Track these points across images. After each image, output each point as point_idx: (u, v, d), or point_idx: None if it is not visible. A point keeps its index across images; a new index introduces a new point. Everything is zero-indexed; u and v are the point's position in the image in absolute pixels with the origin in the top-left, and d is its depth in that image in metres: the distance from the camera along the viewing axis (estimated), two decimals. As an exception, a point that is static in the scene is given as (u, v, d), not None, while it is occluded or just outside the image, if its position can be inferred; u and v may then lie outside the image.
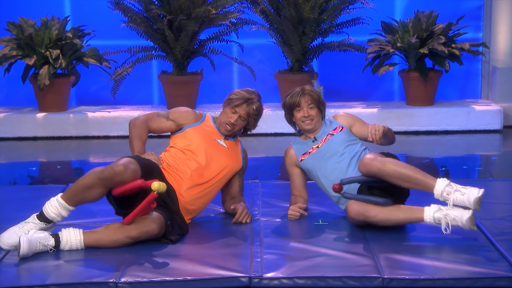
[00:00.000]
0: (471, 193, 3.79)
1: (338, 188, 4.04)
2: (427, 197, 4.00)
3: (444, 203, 3.87)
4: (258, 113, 4.30)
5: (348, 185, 4.08)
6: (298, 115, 4.30)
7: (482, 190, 3.81)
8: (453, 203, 3.82)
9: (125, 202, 3.86)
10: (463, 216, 3.81)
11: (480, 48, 7.79)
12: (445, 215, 3.84)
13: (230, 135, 4.32)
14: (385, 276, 3.46)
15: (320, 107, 4.33)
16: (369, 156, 4.00)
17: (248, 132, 4.39)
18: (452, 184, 3.86)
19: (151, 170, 3.97)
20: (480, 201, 3.79)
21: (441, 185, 3.85)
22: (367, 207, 3.96)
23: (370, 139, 4.13)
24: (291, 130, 4.48)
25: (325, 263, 3.64)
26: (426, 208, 3.90)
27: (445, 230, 3.84)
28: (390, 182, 3.93)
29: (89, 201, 3.82)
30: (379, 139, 4.11)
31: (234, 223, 4.20)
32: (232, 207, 4.26)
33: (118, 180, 3.76)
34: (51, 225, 3.86)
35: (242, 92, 4.28)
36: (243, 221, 4.20)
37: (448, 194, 3.83)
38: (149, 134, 4.31)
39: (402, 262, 3.62)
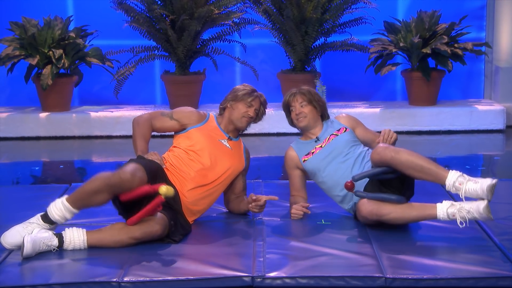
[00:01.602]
0: (485, 181, 3.79)
1: (350, 186, 4.01)
2: (433, 197, 4.00)
3: (454, 195, 3.86)
4: (266, 104, 4.40)
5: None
6: (292, 114, 4.33)
7: (495, 180, 3.80)
8: (465, 193, 3.80)
9: (130, 206, 3.85)
10: (479, 206, 3.79)
11: (483, 48, 7.79)
12: (459, 209, 3.82)
13: (234, 135, 4.32)
14: (388, 276, 3.46)
15: (314, 104, 4.33)
16: (382, 144, 4.01)
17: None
18: (465, 175, 3.85)
19: (155, 173, 3.98)
20: (493, 189, 3.78)
21: (453, 176, 3.83)
22: (380, 206, 3.95)
23: (381, 140, 4.13)
24: (293, 130, 4.49)
25: (327, 262, 3.64)
26: (439, 205, 3.88)
27: (461, 224, 3.82)
28: (402, 172, 3.92)
29: (94, 206, 3.82)
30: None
31: (252, 207, 4.21)
32: (254, 196, 4.23)
33: (126, 188, 3.77)
34: (55, 226, 3.87)
35: (246, 87, 4.34)
36: (257, 211, 4.23)
37: (460, 184, 3.81)
38: (152, 133, 4.31)
39: (405, 262, 3.62)
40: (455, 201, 3.89)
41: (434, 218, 3.90)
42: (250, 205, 4.23)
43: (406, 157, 3.89)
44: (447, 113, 7.59)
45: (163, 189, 3.75)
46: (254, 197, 4.23)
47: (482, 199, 3.80)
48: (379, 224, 4.02)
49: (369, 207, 3.97)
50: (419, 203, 3.98)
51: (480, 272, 3.49)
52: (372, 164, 4.06)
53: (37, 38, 7.36)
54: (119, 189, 3.77)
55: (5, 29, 7.56)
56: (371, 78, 7.93)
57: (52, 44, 7.41)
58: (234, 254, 3.77)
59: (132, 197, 3.79)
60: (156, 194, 3.77)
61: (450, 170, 3.87)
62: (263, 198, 4.23)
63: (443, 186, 3.89)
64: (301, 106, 4.31)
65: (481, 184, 3.78)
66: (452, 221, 3.85)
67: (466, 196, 3.82)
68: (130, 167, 3.82)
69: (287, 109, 4.38)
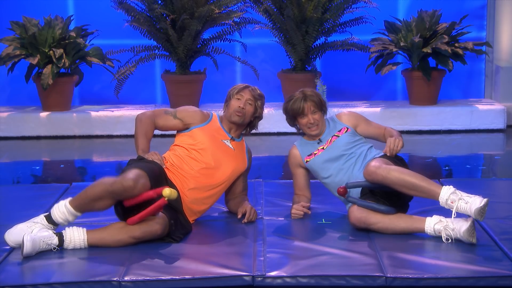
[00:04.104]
0: (474, 203, 3.77)
1: (343, 192, 4.04)
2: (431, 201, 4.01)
3: (448, 211, 3.87)
4: (262, 97, 4.33)
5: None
6: (303, 121, 4.27)
7: (485, 200, 3.78)
8: (456, 211, 3.82)
9: (133, 209, 3.85)
10: (461, 228, 3.80)
11: (483, 47, 7.79)
12: (445, 226, 3.84)
13: (237, 136, 4.31)
14: (388, 275, 3.46)
15: (323, 109, 4.32)
16: (373, 164, 3.98)
17: (256, 123, 4.36)
18: (457, 192, 3.84)
19: (158, 177, 3.98)
20: (483, 211, 3.76)
21: (446, 193, 3.83)
22: (368, 215, 3.96)
23: (388, 153, 4.12)
24: (294, 129, 4.47)
25: (328, 262, 3.64)
26: (428, 219, 3.90)
27: (447, 240, 3.84)
28: (395, 190, 3.93)
29: (96, 210, 3.83)
30: (394, 155, 4.12)
31: (246, 223, 4.19)
32: (240, 214, 4.24)
33: (128, 195, 3.77)
34: (58, 226, 3.88)
35: (238, 84, 4.35)
36: (253, 219, 4.21)
37: (452, 202, 3.81)
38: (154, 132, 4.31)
39: (405, 261, 3.62)
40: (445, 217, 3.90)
41: (422, 231, 3.92)
42: (244, 221, 4.21)
43: (397, 176, 3.88)
44: (447, 113, 7.59)
45: (167, 191, 3.76)
46: (239, 216, 4.22)
47: (474, 218, 3.80)
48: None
49: (358, 215, 3.98)
50: (408, 215, 4.00)
51: (480, 271, 3.49)
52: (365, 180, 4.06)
53: (37, 38, 7.37)
54: (121, 196, 3.77)
55: (5, 28, 7.56)
56: (371, 78, 7.93)
57: (53, 44, 7.41)
58: (234, 254, 3.77)
59: (135, 203, 3.79)
60: (159, 196, 3.77)
61: (443, 186, 3.86)
62: (247, 208, 4.21)
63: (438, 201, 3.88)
64: (313, 113, 4.26)
65: (470, 206, 3.77)
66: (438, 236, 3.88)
67: (458, 213, 3.83)
68: (133, 173, 3.80)
69: (294, 115, 4.28)
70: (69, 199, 3.85)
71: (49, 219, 3.83)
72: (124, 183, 3.74)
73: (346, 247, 3.80)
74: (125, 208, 3.83)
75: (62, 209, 3.82)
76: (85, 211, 3.84)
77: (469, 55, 7.72)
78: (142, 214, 3.76)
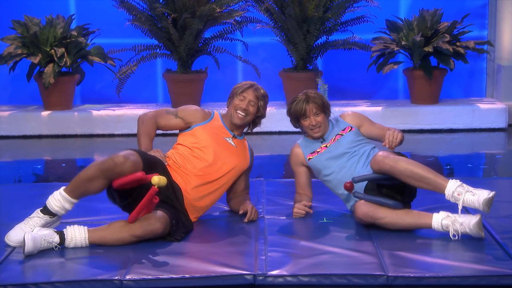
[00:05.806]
0: (482, 194, 3.78)
1: (350, 187, 4.02)
2: (436, 195, 4.00)
3: (454, 209, 3.87)
4: (265, 96, 4.32)
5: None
6: (306, 123, 4.28)
7: (493, 193, 3.79)
8: (463, 203, 3.81)
9: (126, 195, 3.85)
10: (470, 221, 3.80)
11: (485, 46, 7.78)
12: (453, 221, 3.84)
13: (239, 134, 4.32)
14: (390, 274, 3.47)
15: (326, 110, 4.31)
16: (381, 153, 3.99)
17: (258, 122, 4.36)
18: (464, 185, 3.85)
19: (154, 164, 3.97)
20: (490, 202, 3.77)
21: (452, 186, 3.83)
22: (376, 209, 3.96)
23: (387, 146, 4.12)
24: (295, 128, 4.46)
25: (329, 260, 3.64)
26: (435, 215, 3.90)
27: (454, 236, 3.84)
28: (402, 181, 3.93)
29: (91, 193, 3.82)
30: (394, 148, 4.12)
31: (247, 222, 4.19)
32: (241, 211, 4.25)
33: (118, 171, 3.75)
34: (56, 219, 3.89)
35: (243, 83, 4.33)
36: (255, 218, 4.21)
37: (459, 195, 3.82)
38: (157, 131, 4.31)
39: (407, 260, 3.62)
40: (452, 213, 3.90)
41: (429, 227, 3.92)
42: (245, 220, 4.21)
43: (405, 167, 3.89)
44: (449, 112, 7.59)
45: (155, 179, 3.72)
46: (241, 212, 4.23)
47: (480, 210, 3.80)
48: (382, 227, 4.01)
49: (365, 209, 3.97)
50: (416, 211, 4.00)
51: (481, 270, 3.49)
52: (372, 171, 4.06)
53: (39, 37, 7.37)
54: (112, 173, 3.76)
55: (7, 27, 7.56)
56: (373, 77, 7.93)
57: (54, 43, 7.42)
58: (236, 252, 3.77)
59: (124, 183, 3.76)
60: (150, 184, 3.74)
61: (450, 180, 3.86)
62: (248, 206, 4.22)
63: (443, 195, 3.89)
64: (316, 115, 4.26)
65: (478, 197, 3.79)
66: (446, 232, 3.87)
67: (465, 206, 3.83)
68: (124, 151, 3.82)
69: (297, 117, 4.28)
70: (63, 187, 3.86)
71: (44, 210, 3.85)
72: (114, 159, 3.75)
73: (348, 246, 3.81)
74: (119, 192, 3.81)
75: (57, 197, 3.84)
76: (80, 196, 3.83)
77: (471, 54, 7.71)
78: (138, 207, 3.75)
